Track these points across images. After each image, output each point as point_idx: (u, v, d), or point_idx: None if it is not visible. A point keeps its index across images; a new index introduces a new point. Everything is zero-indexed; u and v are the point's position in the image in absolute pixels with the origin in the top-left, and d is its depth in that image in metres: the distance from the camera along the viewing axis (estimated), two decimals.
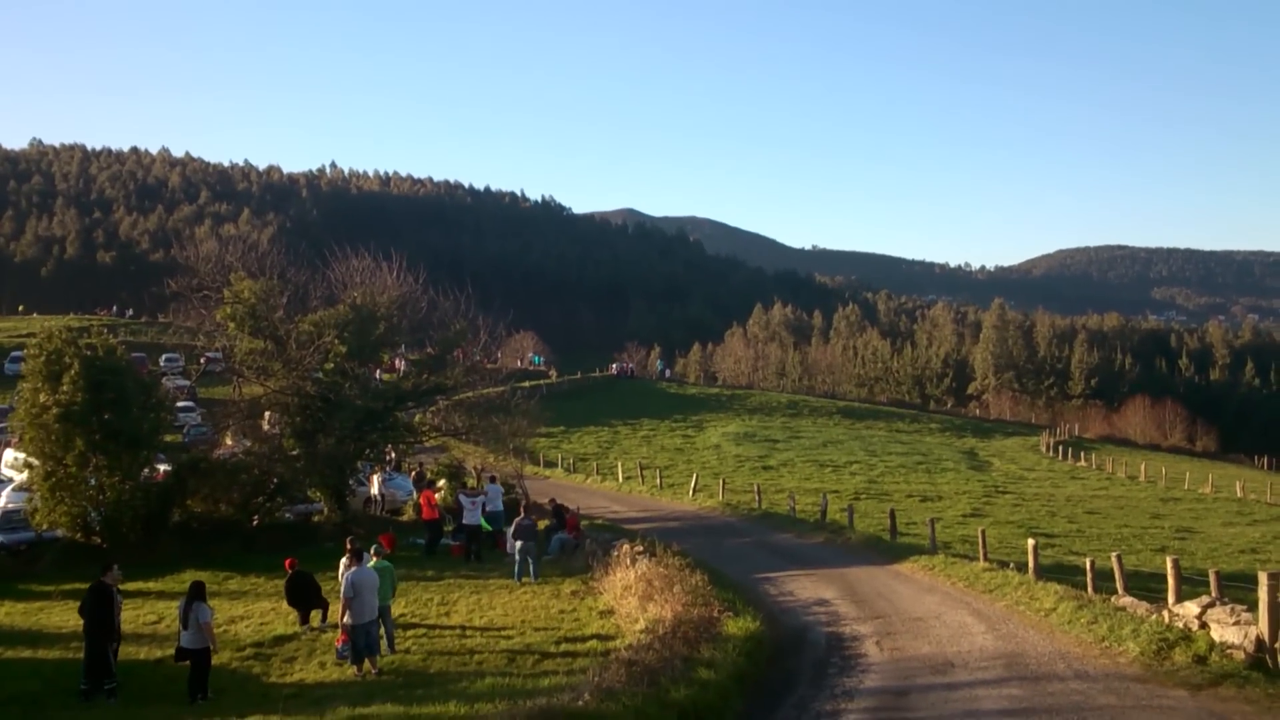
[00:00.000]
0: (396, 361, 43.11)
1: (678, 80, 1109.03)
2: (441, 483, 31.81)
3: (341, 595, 15.04)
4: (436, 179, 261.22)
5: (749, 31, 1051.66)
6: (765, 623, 16.97)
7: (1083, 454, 70.25)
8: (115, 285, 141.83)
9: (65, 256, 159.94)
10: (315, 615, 17.86)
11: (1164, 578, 15.86)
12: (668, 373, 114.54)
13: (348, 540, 16.76)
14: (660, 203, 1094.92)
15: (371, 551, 16.39)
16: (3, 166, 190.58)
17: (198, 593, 14.25)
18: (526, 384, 63.14)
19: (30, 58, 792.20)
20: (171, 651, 15.24)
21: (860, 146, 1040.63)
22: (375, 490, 32.73)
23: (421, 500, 27.11)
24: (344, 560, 15.88)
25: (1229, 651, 12.90)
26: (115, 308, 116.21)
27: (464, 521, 25.33)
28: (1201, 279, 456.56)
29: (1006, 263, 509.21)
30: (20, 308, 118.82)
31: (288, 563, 18.33)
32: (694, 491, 40.25)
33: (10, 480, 32.20)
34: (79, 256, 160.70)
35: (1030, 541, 20.31)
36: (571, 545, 25.30)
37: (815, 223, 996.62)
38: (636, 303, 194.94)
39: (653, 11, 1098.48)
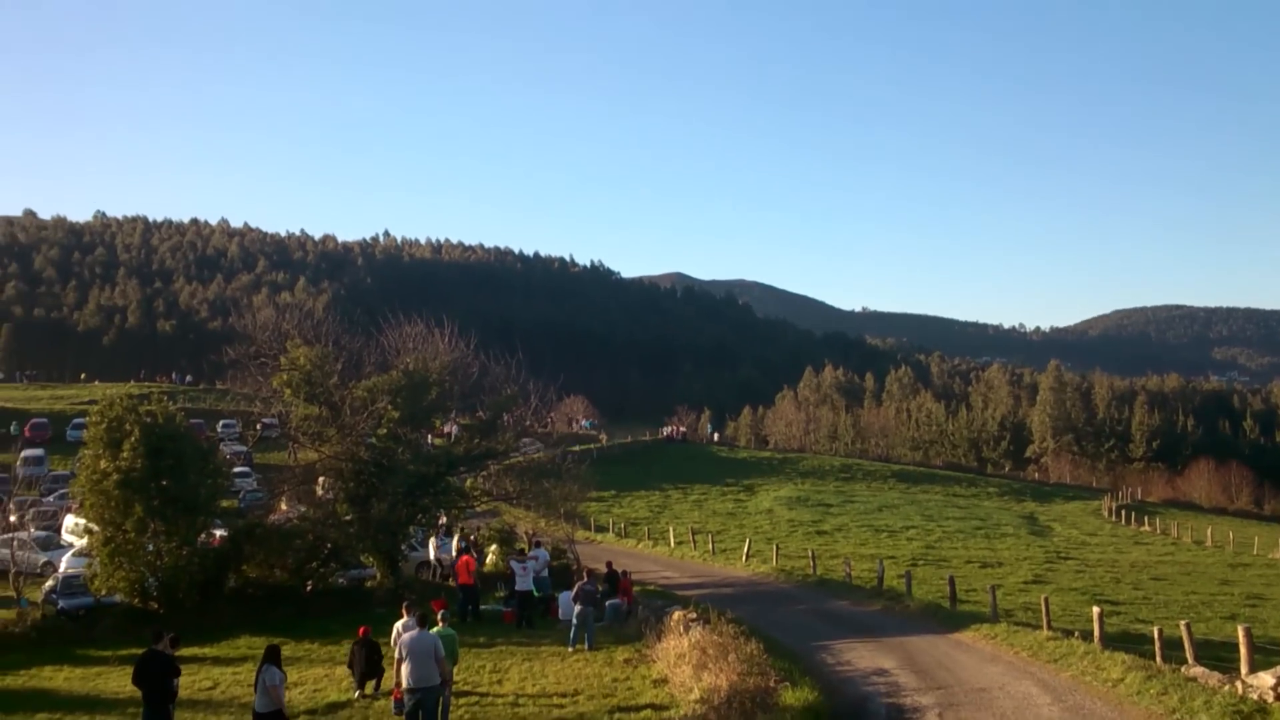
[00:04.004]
0: (448, 426, 43.32)
1: (726, 146, 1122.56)
2: (493, 548, 31.65)
3: (395, 656, 14.99)
4: (487, 245, 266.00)
5: (797, 97, 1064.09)
6: (823, 693, 16.59)
7: (1146, 518, 68.57)
8: (175, 353, 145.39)
9: (126, 325, 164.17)
10: (370, 684, 17.78)
11: (1235, 646, 15.34)
12: (717, 436, 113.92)
13: (432, 603, 16.77)
14: (708, 266, 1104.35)
15: (439, 617, 16.30)
16: (68, 238, 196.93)
17: (270, 656, 14.24)
18: (577, 448, 63.17)
19: (97, 136, 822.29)
20: (227, 719, 15.22)
21: (910, 208, 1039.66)
22: (432, 555, 32.70)
23: (460, 566, 26.66)
24: (400, 622, 15.85)
25: None
26: (175, 375, 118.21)
27: (516, 588, 25.22)
28: (1264, 338, 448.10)
29: (1062, 324, 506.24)
30: (83, 375, 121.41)
31: (361, 630, 18.23)
32: (747, 557, 39.77)
33: (70, 545, 32.76)
34: (140, 325, 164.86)
35: (1095, 609, 19.80)
36: (624, 611, 25.05)
37: (865, 284, 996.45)
38: (685, 366, 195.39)
39: (701, 81, 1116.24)
